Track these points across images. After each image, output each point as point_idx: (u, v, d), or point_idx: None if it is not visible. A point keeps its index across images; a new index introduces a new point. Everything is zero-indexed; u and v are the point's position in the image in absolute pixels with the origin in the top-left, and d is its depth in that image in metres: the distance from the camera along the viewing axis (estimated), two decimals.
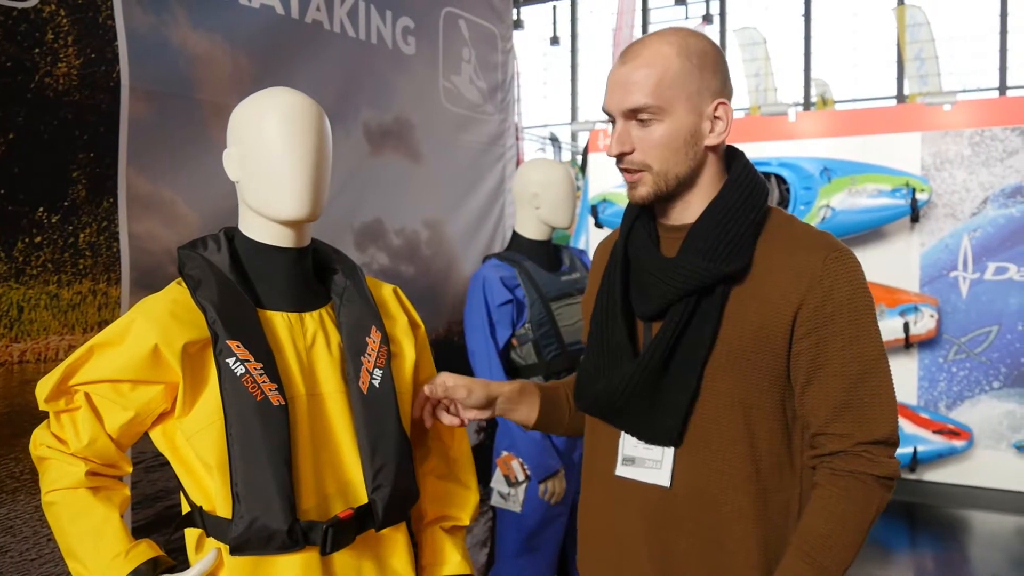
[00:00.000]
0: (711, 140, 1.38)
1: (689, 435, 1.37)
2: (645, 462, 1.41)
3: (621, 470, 1.44)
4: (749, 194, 1.38)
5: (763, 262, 1.35)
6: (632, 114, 1.35)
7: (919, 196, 4.88)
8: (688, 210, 1.42)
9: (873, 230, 5.06)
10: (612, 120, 1.39)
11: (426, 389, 1.54)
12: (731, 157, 1.45)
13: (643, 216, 1.47)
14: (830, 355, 1.31)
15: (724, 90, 1.38)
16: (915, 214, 4.91)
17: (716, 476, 1.36)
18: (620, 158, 1.39)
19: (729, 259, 1.33)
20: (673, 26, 1.42)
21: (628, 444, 1.43)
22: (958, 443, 4.91)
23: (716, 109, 1.36)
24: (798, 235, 1.38)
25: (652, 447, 1.40)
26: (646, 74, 1.33)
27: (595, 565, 1.52)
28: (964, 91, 13.96)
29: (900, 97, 14.81)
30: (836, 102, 14.51)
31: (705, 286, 1.33)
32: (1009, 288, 4.92)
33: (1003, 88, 14.62)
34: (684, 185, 1.39)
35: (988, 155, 4.97)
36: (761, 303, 1.33)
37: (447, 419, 1.56)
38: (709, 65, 1.36)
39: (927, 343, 5.06)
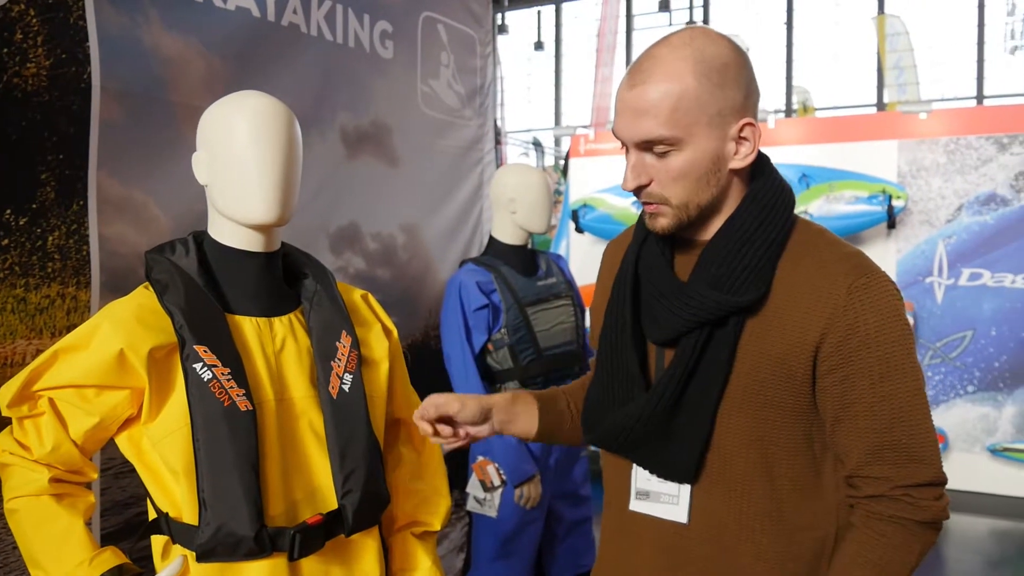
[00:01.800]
0: (736, 163, 1.23)
1: (705, 471, 1.27)
2: (660, 496, 1.31)
3: (635, 504, 1.34)
4: (770, 210, 1.24)
5: (784, 286, 1.21)
6: (647, 145, 1.21)
7: (895, 203, 4.92)
8: (707, 224, 1.29)
9: (850, 236, 5.09)
10: (625, 147, 1.26)
11: (417, 414, 1.41)
12: (756, 165, 1.30)
13: None
14: (857, 394, 1.19)
15: (748, 103, 1.22)
16: (892, 221, 4.95)
17: (734, 515, 1.25)
18: (637, 191, 1.26)
19: (743, 288, 1.20)
20: (688, 29, 1.24)
21: (641, 477, 1.33)
22: None
23: (742, 130, 1.21)
24: (824, 256, 1.23)
25: (666, 481, 1.30)
26: (658, 100, 1.17)
27: None
28: (943, 100, 14.08)
29: (880, 105, 14.92)
30: (817, 109, 14.59)
31: (717, 318, 1.20)
32: (983, 294, 4.96)
33: (980, 97, 14.76)
34: (707, 211, 1.26)
35: (963, 163, 5.01)
36: (781, 334, 1.20)
37: (447, 444, 1.44)
38: (731, 79, 1.19)
39: None
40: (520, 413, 1.47)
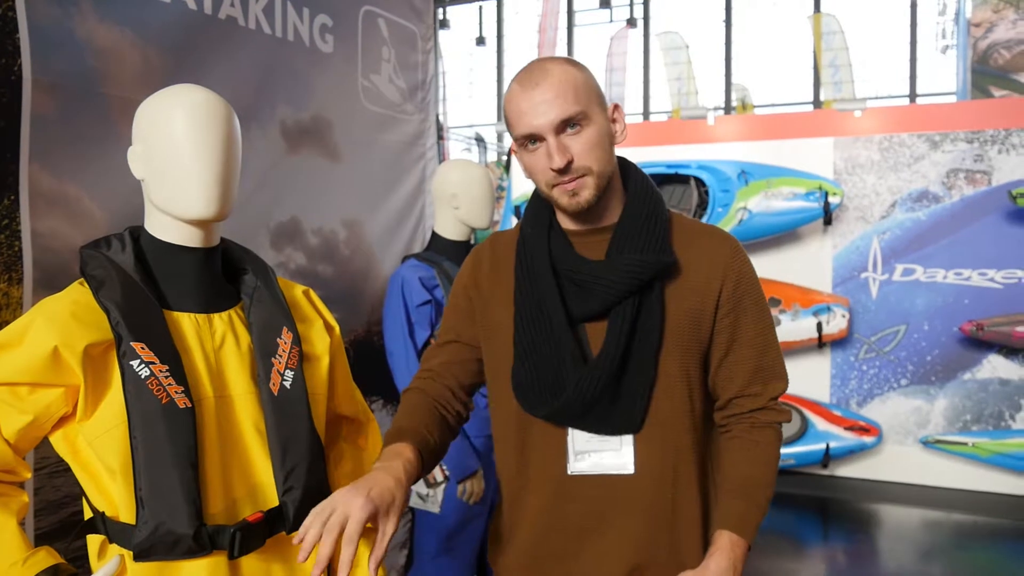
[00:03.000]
0: (619, 139, 1.48)
1: (648, 419, 1.46)
2: (603, 453, 1.47)
3: (576, 467, 1.48)
4: (658, 195, 1.52)
5: (682, 254, 1.48)
6: (564, 125, 1.39)
7: (831, 199, 5.03)
8: (605, 212, 1.48)
9: (788, 232, 5.20)
10: (533, 140, 1.41)
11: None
12: (623, 162, 1.55)
13: (552, 222, 1.51)
14: (744, 328, 1.49)
15: None
16: (828, 217, 5.06)
17: (672, 453, 1.46)
18: (565, 168, 1.40)
19: (665, 251, 1.45)
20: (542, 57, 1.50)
21: (579, 440, 1.47)
22: (868, 439, 5.07)
23: (614, 112, 1.48)
24: (699, 230, 1.54)
25: (607, 438, 1.46)
26: (563, 87, 1.39)
27: (548, 566, 1.51)
28: (877, 97, 14.40)
29: (816, 103, 15.21)
30: (756, 107, 14.82)
31: (649, 280, 1.42)
32: (915, 289, 5.11)
33: (913, 96, 15.14)
34: (607, 190, 1.46)
35: (896, 160, 5.15)
36: (692, 290, 1.47)
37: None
38: (594, 76, 1.46)
39: (839, 342, 5.22)
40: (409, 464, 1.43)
